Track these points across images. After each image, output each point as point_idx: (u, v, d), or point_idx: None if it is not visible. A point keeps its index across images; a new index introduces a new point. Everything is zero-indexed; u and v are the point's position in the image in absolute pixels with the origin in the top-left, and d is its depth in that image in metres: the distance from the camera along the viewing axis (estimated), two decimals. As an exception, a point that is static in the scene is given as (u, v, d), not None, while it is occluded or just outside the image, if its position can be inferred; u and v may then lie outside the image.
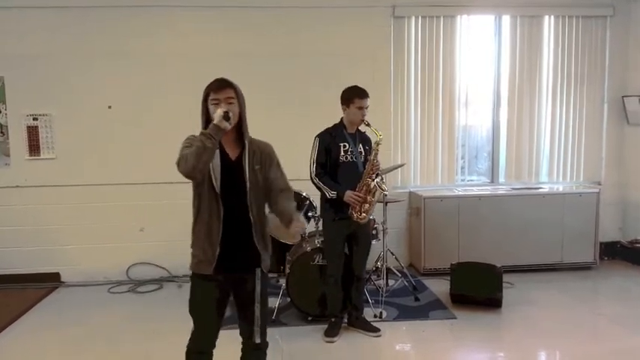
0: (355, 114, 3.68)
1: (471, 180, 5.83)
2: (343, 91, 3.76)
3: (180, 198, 5.14)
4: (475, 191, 5.44)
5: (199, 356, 2.57)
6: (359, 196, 3.61)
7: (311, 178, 3.73)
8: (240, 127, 2.45)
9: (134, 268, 5.31)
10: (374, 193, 3.66)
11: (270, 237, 2.58)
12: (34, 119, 5.09)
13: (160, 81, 5.16)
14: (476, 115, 5.71)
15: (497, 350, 3.73)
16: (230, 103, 2.35)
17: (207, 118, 2.40)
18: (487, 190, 5.50)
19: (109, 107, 5.15)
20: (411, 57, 5.44)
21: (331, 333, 3.78)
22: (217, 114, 2.27)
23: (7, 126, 5.09)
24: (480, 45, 5.57)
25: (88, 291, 5.06)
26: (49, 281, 5.18)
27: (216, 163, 2.38)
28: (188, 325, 4.04)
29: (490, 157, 5.77)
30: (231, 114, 2.28)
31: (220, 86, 2.39)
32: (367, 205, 3.65)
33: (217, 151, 2.37)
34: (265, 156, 2.52)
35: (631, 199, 5.64)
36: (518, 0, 5.43)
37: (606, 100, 5.65)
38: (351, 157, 3.71)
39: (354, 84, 3.75)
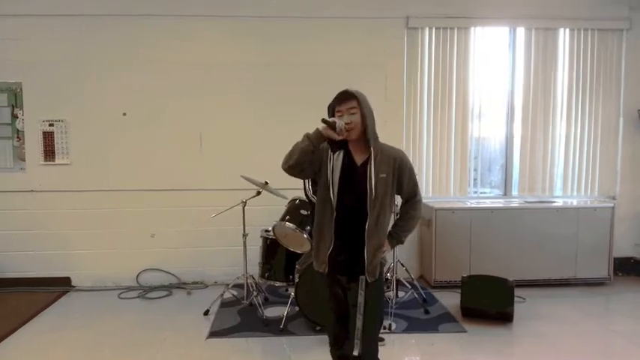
0: None
1: (484, 192, 5.78)
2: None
3: (191, 205, 5.26)
4: (488, 204, 5.38)
5: (334, 350, 2.69)
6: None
7: (307, 195, 3.72)
8: (366, 135, 2.50)
9: (144, 274, 5.33)
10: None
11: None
12: (50, 125, 5.15)
13: (174, 89, 5.21)
14: (489, 127, 5.67)
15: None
16: (352, 113, 2.46)
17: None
18: (500, 203, 5.43)
19: (124, 114, 5.21)
20: (424, 68, 5.43)
21: None
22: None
23: (23, 131, 5.16)
24: (493, 57, 5.54)
25: (98, 296, 5.09)
26: (60, 285, 5.22)
27: (336, 166, 2.48)
28: (196, 332, 4.07)
29: (503, 170, 5.72)
30: (339, 124, 2.39)
31: (343, 99, 2.49)
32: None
33: (340, 157, 2.49)
34: (395, 163, 2.53)
35: (647, 214, 5.55)
36: (532, 12, 5.41)
37: (622, 113, 5.57)
38: None
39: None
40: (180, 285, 5.30)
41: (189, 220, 5.29)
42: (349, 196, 2.48)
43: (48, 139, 5.16)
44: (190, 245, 5.33)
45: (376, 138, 2.54)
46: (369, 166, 2.48)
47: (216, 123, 5.26)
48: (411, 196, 2.65)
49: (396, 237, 2.68)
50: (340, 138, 2.42)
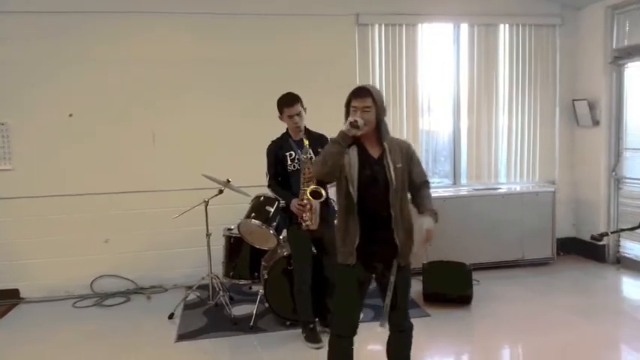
0: (289, 123, 3.71)
1: (434, 182, 5.99)
2: (277, 101, 3.76)
3: (146, 207, 5.13)
4: (440, 193, 5.60)
5: (339, 340, 2.74)
6: (301, 205, 3.55)
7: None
8: (379, 130, 2.63)
9: (99, 281, 5.13)
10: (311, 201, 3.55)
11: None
12: (-11, 129, 4.85)
13: (125, 87, 5.04)
14: (438, 121, 5.88)
15: (467, 344, 3.92)
16: (366, 112, 2.56)
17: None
18: (450, 192, 5.68)
19: (70, 115, 4.98)
20: (375, 64, 5.55)
21: (315, 339, 3.78)
22: (346, 123, 2.52)
23: (-42, 136, 4.83)
24: (440, 53, 5.75)
25: (51, 307, 4.85)
26: (8, 298, 4.94)
27: (353, 162, 2.59)
28: (163, 337, 3.98)
29: (452, 160, 5.96)
30: (360, 122, 2.49)
31: (360, 95, 2.59)
32: (309, 213, 3.54)
33: (355, 152, 2.60)
34: (405, 153, 2.68)
35: (582, 196, 5.96)
36: (474, 9, 5.66)
37: (558, 103, 5.96)
38: (298, 166, 3.68)
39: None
40: (138, 290, 5.15)
41: (147, 223, 5.14)
42: (371, 189, 2.59)
43: (-13, 144, 4.85)
44: (147, 249, 5.18)
45: (388, 131, 2.69)
46: (385, 158, 2.62)
47: (172, 121, 5.14)
48: (422, 179, 2.75)
49: (429, 209, 2.68)
50: (361, 133, 2.53)
